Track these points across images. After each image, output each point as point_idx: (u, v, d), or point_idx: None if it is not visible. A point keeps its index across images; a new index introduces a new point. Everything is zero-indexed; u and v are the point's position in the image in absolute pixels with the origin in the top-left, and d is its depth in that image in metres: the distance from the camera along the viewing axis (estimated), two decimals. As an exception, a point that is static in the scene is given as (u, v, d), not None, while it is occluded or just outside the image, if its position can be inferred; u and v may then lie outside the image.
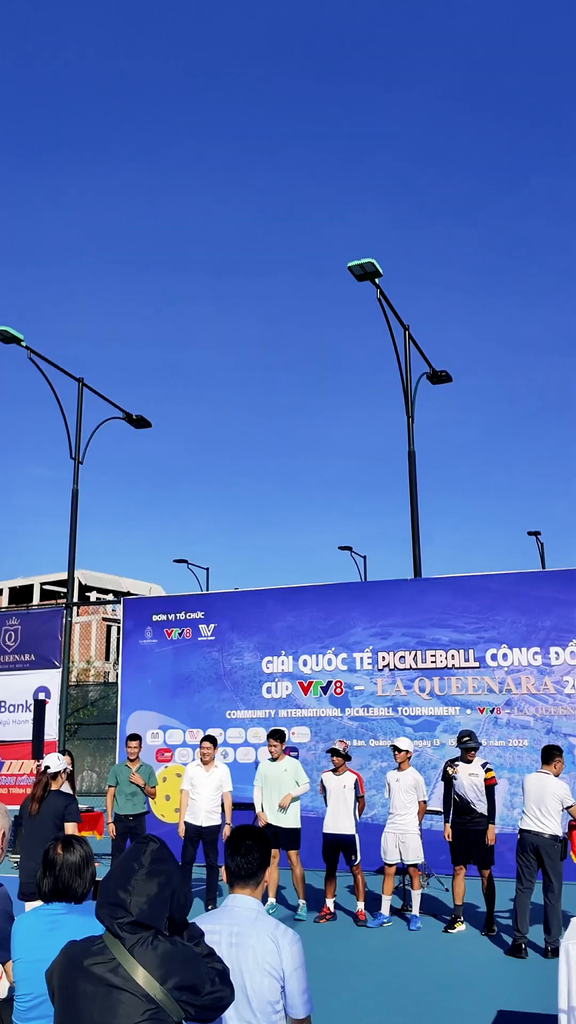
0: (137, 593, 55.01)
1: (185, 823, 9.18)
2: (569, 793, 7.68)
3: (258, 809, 9.08)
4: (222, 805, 9.38)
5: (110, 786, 10.20)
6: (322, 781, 9.04)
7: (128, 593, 54.21)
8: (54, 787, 6.65)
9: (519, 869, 7.59)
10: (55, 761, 6.76)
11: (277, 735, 9.25)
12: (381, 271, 11.93)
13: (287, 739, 9.93)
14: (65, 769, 6.90)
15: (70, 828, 6.45)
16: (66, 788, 7.15)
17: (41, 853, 3.43)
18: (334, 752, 8.88)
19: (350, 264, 11.84)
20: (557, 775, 7.73)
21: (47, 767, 6.66)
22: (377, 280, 12.21)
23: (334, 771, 8.93)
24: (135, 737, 10.43)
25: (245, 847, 3.16)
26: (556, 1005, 4.25)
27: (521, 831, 7.67)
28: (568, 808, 7.61)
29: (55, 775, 6.68)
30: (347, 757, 8.96)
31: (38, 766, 7.12)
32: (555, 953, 7.14)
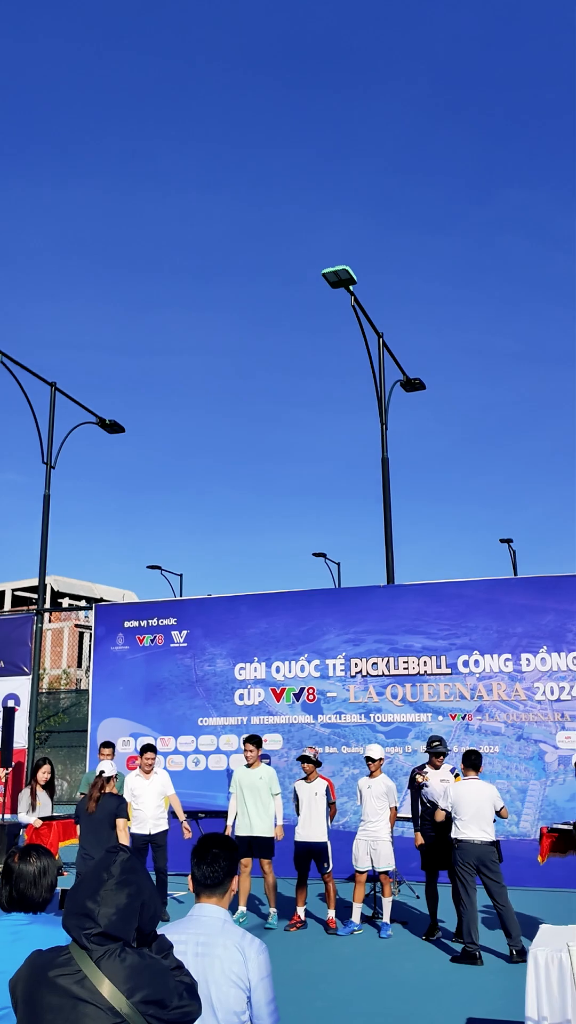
0: (110, 599, 54.61)
1: (133, 834, 9.10)
2: (499, 796, 7.76)
3: (230, 821, 9.01)
4: (171, 809, 9.51)
5: (82, 793, 10.11)
6: (294, 790, 9.00)
7: (101, 599, 53.84)
8: (107, 790, 8.09)
9: (463, 878, 7.53)
10: (109, 767, 8.39)
11: (254, 740, 9.21)
12: (355, 278, 11.98)
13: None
14: (116, 775, 8.53)
15: (121, 824, 7.85)
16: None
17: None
18: (305, 759, 8.86)
19: (324, 271, 11.88)
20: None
21: (103, 771, 8.12)
22: (351, 287, 12.25)
23: (305, 778, 8.90)
24: (108, 744, 10.39)
25: (211, 855, 3.13)
26: (524, 1013, 4.26)
27: (460, 840, 7.58)
28: (499, 811, 7.68)
29: (108, 779, 8.11)
30: (317, 763, 8.93)
31: (8, 773, 7.61)
32: (521, 955, 7.17)
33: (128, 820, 8.13)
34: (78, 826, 8.14)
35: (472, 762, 7.87)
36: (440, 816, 7.88)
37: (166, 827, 9.40)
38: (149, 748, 9.66)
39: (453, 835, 7.70)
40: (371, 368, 13.30)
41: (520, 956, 7.20)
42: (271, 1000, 3.00)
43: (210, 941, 3.00)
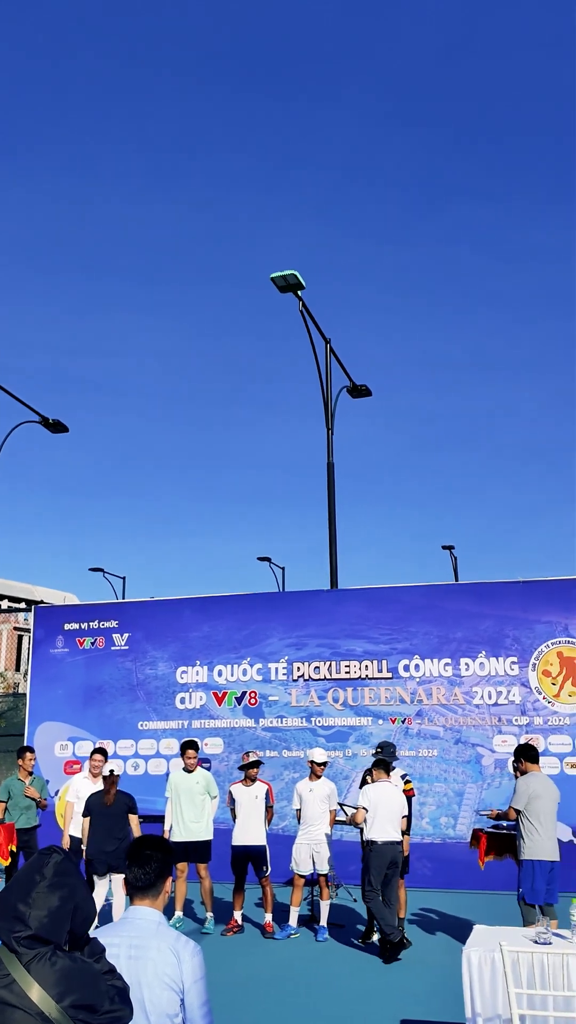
0: (50, 602, 53.72)
1: (71, 836, 8.98)
2: (406, 802, 8.16)
3: (167, 824, 8.94)
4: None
5: (1, 801, 9.94)
6: (231, 793, 8.96)
7: (41, 602, 52.93)
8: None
9: (371, 877, 7.77)
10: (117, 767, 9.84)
11: (194, 746, 9.16)
12: (304, 283, 12.03)
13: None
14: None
15: (134, 819, 8.48)
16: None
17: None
18: (253, 765, 8.83)
19: (273, 275, 11.91)
20: None
21: (112, 770, 8.86)
22: (299, 292, 12.30)
23: (243, 781, 8.87)
24: (29, 749, 10.24)
25: (144, 857, 3.10)
26: (463, 1013, 4.31)
27: (374, 842, 7.81)
28: (404, 816, 8.04)
29: (117, 778, 8.77)
30: (255, 764, 8.91)
31: None
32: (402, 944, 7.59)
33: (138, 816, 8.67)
34: (87, 818, 8.53)
35: (384, 765, 8.19)
36: (359, 817, 7.98)
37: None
38: (99, 752, 9.53)
39: (366, 836, 7.90)
40: (318, 374, 13.37)
41: (397, 944, 7.58)
42: (204, 1002, 2.98)
43: (143, 944, 2.97)
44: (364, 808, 7.95)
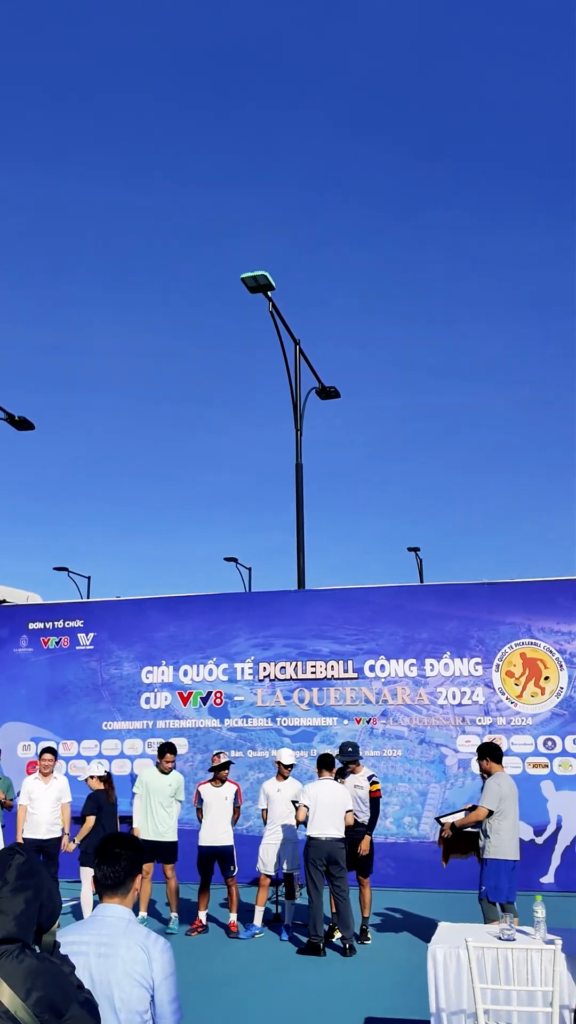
0: (12, 601, 53.06)
1: (25, 838, 8.93)
2: (350, 799, 8.22)
3: (137, 822, 8.91)
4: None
5: None
6: (199, 792, 8.94)
7: (3, 601, 52.22)
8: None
9: (312, 875, 7.90)
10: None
11: (172, 749, 9.19)
12: (274, 284, 12.05)
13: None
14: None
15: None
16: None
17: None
18: (223, 767, 8.82)
19: (243, 275, 11.91)
20: None
21: (108, 772, 9.24)
22: (269, 293, 12.33)
23: (213, 782, 8.86)
24: None
25: (113, 855, 3.09)
26: (427, 1009, 4.35)
27: (312, 837, 7.92)
28: (347, 812, 8.11)
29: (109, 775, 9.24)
30: (226, 766, 8.91)
31: None
32: (351, 949, 7.69)
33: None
34: (92, 817, 8.78)
35: (326, 763, 8.27)
36: (301, 815, 8.04)
37: (59, 834, 9.20)
38: (48, 751, 9.52)
39: (307, 832, 8.00)
40: (287, 375, 13.41)
41: (351, 950, 7.68)
42: (174, 999, 2.98)
43: (113, 941, 2.96)
44: (305, 806, 8.01)
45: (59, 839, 9.19)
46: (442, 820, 7.78)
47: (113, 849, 3.09)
